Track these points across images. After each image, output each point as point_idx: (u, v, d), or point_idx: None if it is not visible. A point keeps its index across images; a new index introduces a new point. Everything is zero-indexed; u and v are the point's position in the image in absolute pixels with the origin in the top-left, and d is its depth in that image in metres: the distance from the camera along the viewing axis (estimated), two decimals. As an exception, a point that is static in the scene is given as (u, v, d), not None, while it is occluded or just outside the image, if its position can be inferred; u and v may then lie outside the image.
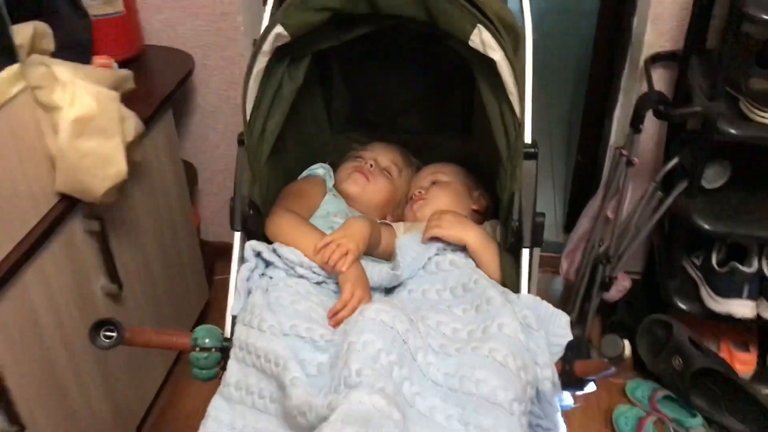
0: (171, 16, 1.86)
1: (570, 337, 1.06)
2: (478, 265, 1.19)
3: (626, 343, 1.00)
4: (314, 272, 1.17)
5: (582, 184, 2.21)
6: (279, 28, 1.12)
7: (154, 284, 1.69)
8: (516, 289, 1.14)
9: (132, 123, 1.34)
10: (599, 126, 2.08)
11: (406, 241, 1.24)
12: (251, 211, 1.19)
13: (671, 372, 1.78)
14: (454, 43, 1.17)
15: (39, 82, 1.20)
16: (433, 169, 1.49)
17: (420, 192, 1.43)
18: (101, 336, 1.03)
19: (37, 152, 1.23)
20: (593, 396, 1.78)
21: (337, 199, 1.40)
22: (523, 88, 1.14)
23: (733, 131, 1.48)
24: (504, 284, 1.15)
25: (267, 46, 1.13)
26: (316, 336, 1.05)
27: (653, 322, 1.85)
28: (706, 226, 1.61)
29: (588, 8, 2.44)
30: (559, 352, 1.05)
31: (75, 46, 1.39)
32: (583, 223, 1.91)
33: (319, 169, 1.45)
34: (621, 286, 1.94)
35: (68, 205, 1.31)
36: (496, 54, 1.11)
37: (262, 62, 1.15)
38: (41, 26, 1.26)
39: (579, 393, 1.05)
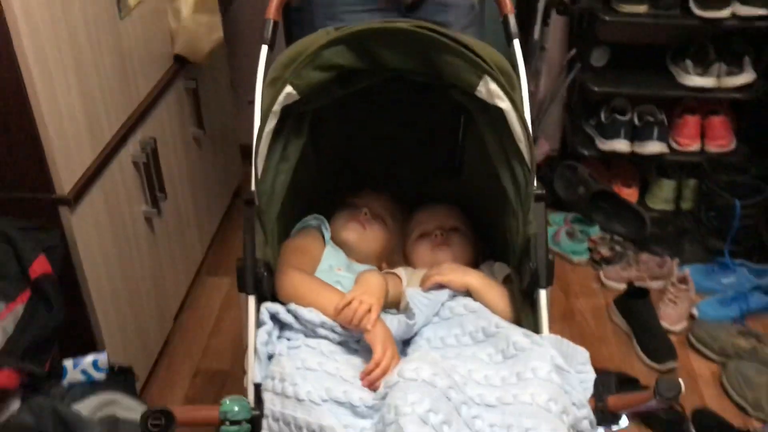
0: None
1: (593, 373, 1.08)
2: (485, 307, 1.21)
3: (681, 383, 0.98)
4: (335, 332, 1.15)
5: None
6: (289, 89, 1.16)
7: (216, 135, 2.37)
8: (534, 329, 1.15)
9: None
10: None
11: (416, 290, 1.25)
12: (265, 274, 1.17)
13: (578, 199, 2.55)
14: (456, 94, 1.21)
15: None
16: (440, 212, 1.50)
17: (441, 234, 1.44)
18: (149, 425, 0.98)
19: (162, 28, 1.91)
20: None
21: (337, 251, 1.41)
22: (530, 135, 1.16)
23: (606, 18, 2.26)
24: (519, 324, 1.17)
25: (277, 107, 1.16)
26: (355, 399, 1.02)
27: (564, 166, 2.62)
28: (596, 89, 2.40)
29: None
30: (589, 388, 1.06)
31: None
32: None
33: (313, 221, 1.44)
34: (542, 150, 2.70)
35: (178, 67, 1.99)
36: (504, 103, 1.14)
37: (272, 122, 1.17)
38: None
39: (614, 428, 1.06)
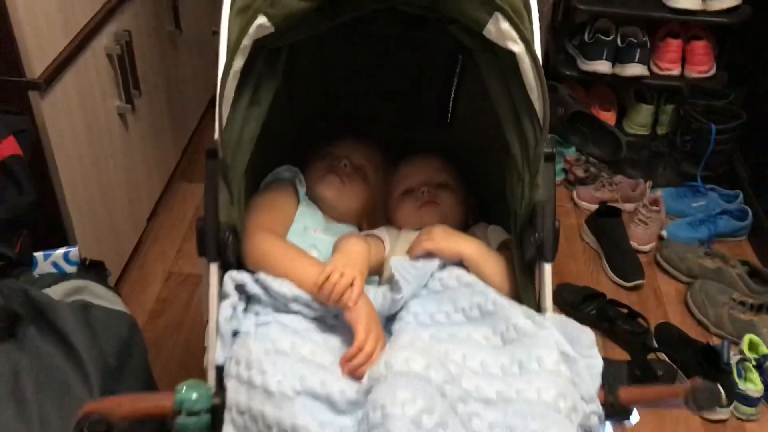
0: None
1: (600, 359, 0.94)
2: (480, 279, 1.08)
3: (722, 390, 0.91)
4: (311, 308, 1.02)
5: None
6: (262, 19, 0.97)
7: (193, 38, 2.31)
8: (535, 306, 1.02)
9: None
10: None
11: (402, 259, 1.10)
12: (230, 238, 0.99)
13: (556, 120, 2.54)
14: (456, 30, 1.06)
15: None
16: (428, 166, 1.34)
17: (428, 191, 1.29)
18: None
19: None
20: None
21: (312, 209, 1.25)
22: (544, 86, 0.99)
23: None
24: (518, 300, 1.05)
25: (247, 41, 0.97)
26: (335, 392, 0.88)
27: (545, 86, 2.61)
28: (581, 7, 2.37)
29: None
30: (597, 376, 0.92)
31: None
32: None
33: (286, 173, 1.28)
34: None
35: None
36: (517, 47, 0.98)
37: (240, 60, 0.98)
38: None
39: (626, 424, 0.94)
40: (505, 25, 0.98)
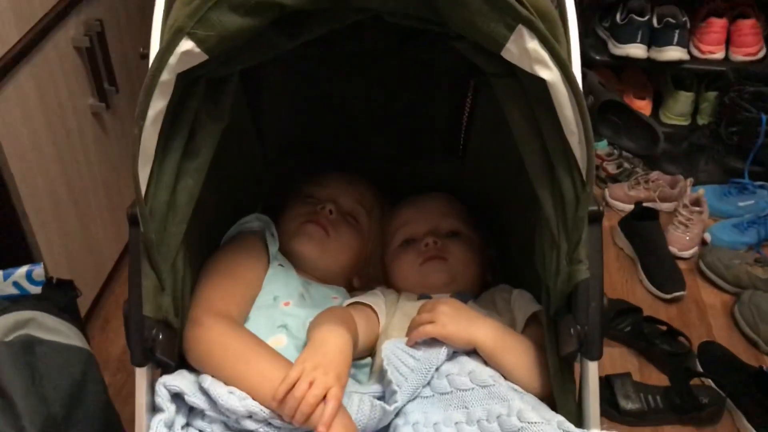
0: None
1: None
2: (501, 374, 0.86)
3: None
4: (271, 426, 0.80)
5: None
6: (187, 44, 0.71)
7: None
8: (575, 419, 0.81)
9: None
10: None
11: (397, 345, 0.88)
12: (160, 336, 0.78)
13: (585, 110, 2.32)
14: (465, 49, 0.78)
15: None
16: (433, 208, 1.12)
17: (434, 242, 1.06)
18: None
19: None
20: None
21: (286, 272, 1.02)
22: (588, 123, 0.74)
23: None
24: (552, 401, 0.84)
25: (167, 74, 0.72)
26: None
27: (572, 73, 2.38)
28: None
29: None
30: None
31: None
32: None
33: (255, 222, 1.06)
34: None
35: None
36: (549, 72, 0.72)
37: (161, 101, 0.73)
38: None
39: None
40: (533, 44, 0.71)
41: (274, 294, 0.97)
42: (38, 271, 1.30)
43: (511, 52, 0.73)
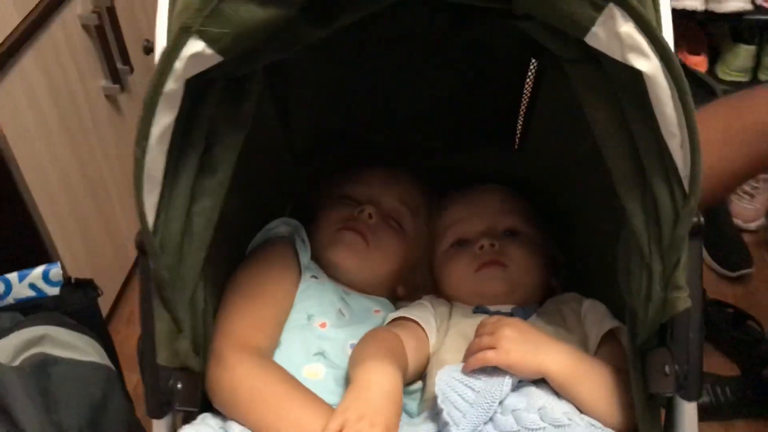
0: None
1: None
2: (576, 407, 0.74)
3: None
4: None
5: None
6: (196, 44, 0.58)
7: None
8: None
9: None
10: None
11: (453, 375, 0.75)
12: (178, 386, 0.69)
13: (635, 69, 2.15)
14: (536, 31, 0.67)
15: None
16: (489, 204, 0.99)
17: (490, 245, 0.93)
18: None
19: None
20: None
21: (320, 284, 0.90)
22: (693, 123, 0.60)
23: None
24: None
25: (173, 83, 0.59)
26: None
27: (621, 29, 2.21)
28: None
29: None
30: None
31: None
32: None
33: (282, 227, 0.95)
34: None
35: None
36: (647, 62, 0.59)
37: (168, 115, 0.61)
38: None
39: None
40: (627, 27, 0.58)
41: (308, 312, 0.86)
42: (55, 270, 1.22)
43: (598, 37, 0.59)
